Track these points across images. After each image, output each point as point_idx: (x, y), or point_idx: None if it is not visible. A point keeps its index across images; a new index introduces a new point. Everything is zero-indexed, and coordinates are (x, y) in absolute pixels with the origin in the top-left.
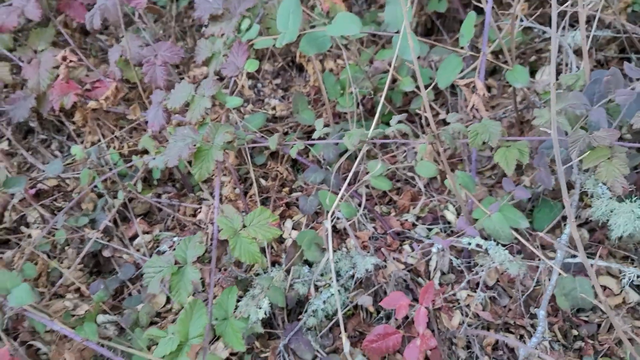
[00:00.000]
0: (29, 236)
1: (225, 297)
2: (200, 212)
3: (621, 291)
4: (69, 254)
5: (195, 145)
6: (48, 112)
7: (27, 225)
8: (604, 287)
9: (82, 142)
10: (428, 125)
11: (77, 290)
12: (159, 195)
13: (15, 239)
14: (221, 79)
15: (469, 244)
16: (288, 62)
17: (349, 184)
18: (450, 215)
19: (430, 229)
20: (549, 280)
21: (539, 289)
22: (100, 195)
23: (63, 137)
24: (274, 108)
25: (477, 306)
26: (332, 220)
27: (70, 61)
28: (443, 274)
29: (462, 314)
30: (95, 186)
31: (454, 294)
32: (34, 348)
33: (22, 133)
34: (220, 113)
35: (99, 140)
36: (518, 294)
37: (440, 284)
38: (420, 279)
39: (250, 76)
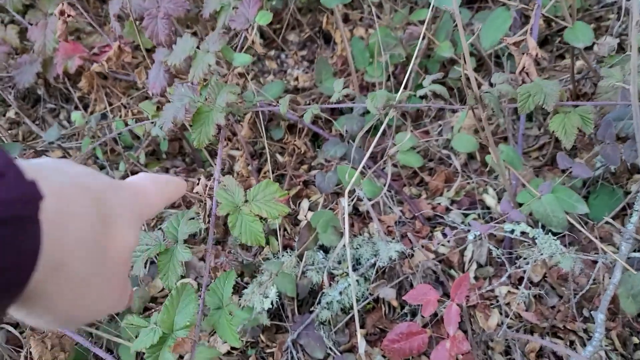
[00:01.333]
0: None
1: (220, 282)
2: (198, 183)
3: None
4: None
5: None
6: (55, 79)
7: None
8: None
9: (90, 112)
10: (470, 86)
11: None
12: (166, 170)
13: None
14: (229, 34)
15: (513, 231)
16: (315, 32)
17: (375, 161)
18: (490, 199)
19: (466, 215)
20: (610, 278)
21: (595, 287)
22: (102, 167)
23: (71, 106)
24: (296, 79)
25: (519, 305)
26: (352, 200)
27: (69, 16)
28: (480, 266)
29: (501, 314)
30: (97, 157)
31: (492, 290)
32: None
33: (30, 102)
34: (229, 74)
35: (105, 109)
36: (570, 293)
37: (476, 278)
38: (452, 271)
39: (274, 47)
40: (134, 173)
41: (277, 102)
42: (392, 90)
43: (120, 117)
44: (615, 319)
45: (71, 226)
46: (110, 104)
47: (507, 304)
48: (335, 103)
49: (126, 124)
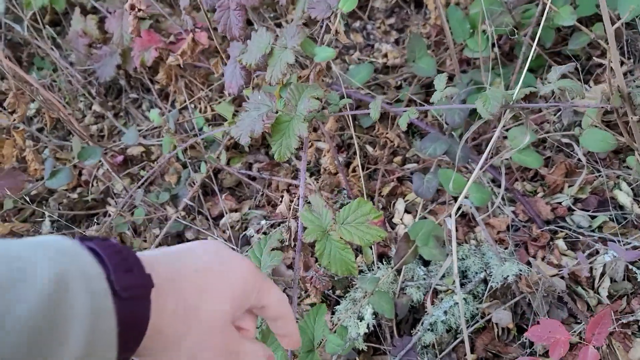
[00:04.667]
0: (107, 214)
1: (310, 319)
2: (281, 201)
3: None
4: (148, 236)
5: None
6: (134, 70)
7: (114, 196)
8: None
9: (171, 103)
10: (602, 66)
11: None
12: (249, 166)
13: (103, 212)
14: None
15: None
16: None
17: (479, 150)
18: (623, 197)
19: (593, 217)
20: None
21: None
22: (184, 166)
23: (152, 97)
24: (385, 55)
25: None
26: (457, 213)
27: (139, 10)
28: (614, 281)
29: None
30: (178, 157)
31: (632, 313)
32: None
33: (114, 93)
34: (311, 70)
35: (185, 101)
36: None
37: (611, 297)
38: (579, 289)
39: (357, 17)
40: (216, 172)
41: (366, 87)
42: (498, 64)
43: (201, 111)
44: None
45: (168, 305)
46: (190, 96)
47: None
48: (435, 104)
49: (207, 120)
